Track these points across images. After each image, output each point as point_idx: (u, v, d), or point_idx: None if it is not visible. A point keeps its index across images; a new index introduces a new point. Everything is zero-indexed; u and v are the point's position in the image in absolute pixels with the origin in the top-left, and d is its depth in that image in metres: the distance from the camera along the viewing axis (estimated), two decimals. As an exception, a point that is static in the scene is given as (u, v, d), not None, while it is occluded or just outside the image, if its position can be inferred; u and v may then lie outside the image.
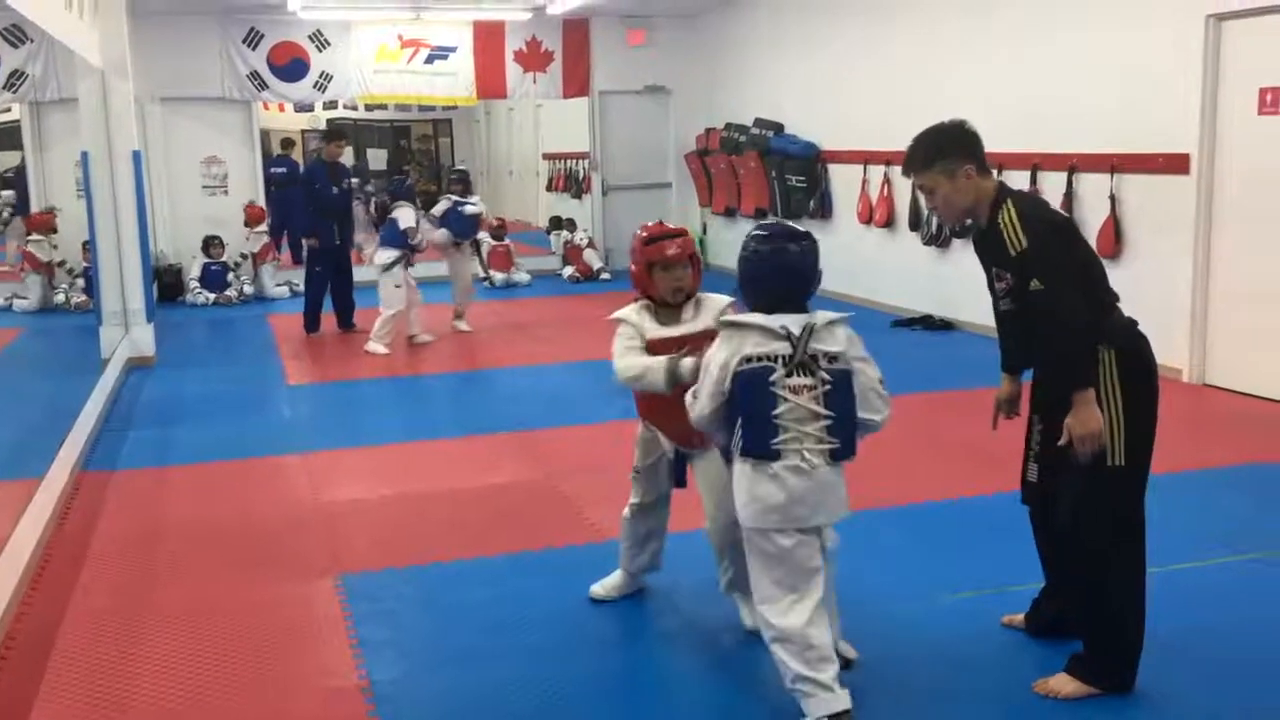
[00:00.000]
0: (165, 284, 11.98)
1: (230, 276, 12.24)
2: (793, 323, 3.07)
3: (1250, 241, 6.68)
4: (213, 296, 11.96)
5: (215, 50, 12.44)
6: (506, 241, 13.17)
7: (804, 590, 3.07)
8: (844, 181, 10.95)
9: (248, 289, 12.23)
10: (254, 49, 12.56)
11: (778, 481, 3.03)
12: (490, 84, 13.33)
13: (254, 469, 5.94)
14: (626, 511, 4.00)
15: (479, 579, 4.33)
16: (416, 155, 23.03)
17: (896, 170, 9.98)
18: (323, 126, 19.64)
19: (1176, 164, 6.93)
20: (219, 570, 4.50)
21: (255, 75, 12.61)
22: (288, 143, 15.80)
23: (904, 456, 5.83)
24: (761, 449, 3.03)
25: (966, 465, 5.55)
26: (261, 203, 12.88)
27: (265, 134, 14.67)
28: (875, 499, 5.04)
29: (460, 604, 4.10)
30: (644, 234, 3.67)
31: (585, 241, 13.63)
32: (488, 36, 13.11)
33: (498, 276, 12.79)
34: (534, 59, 13.31)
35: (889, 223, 10.20)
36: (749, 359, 3.03)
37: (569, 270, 13.38)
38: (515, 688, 3.43)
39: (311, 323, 9.90)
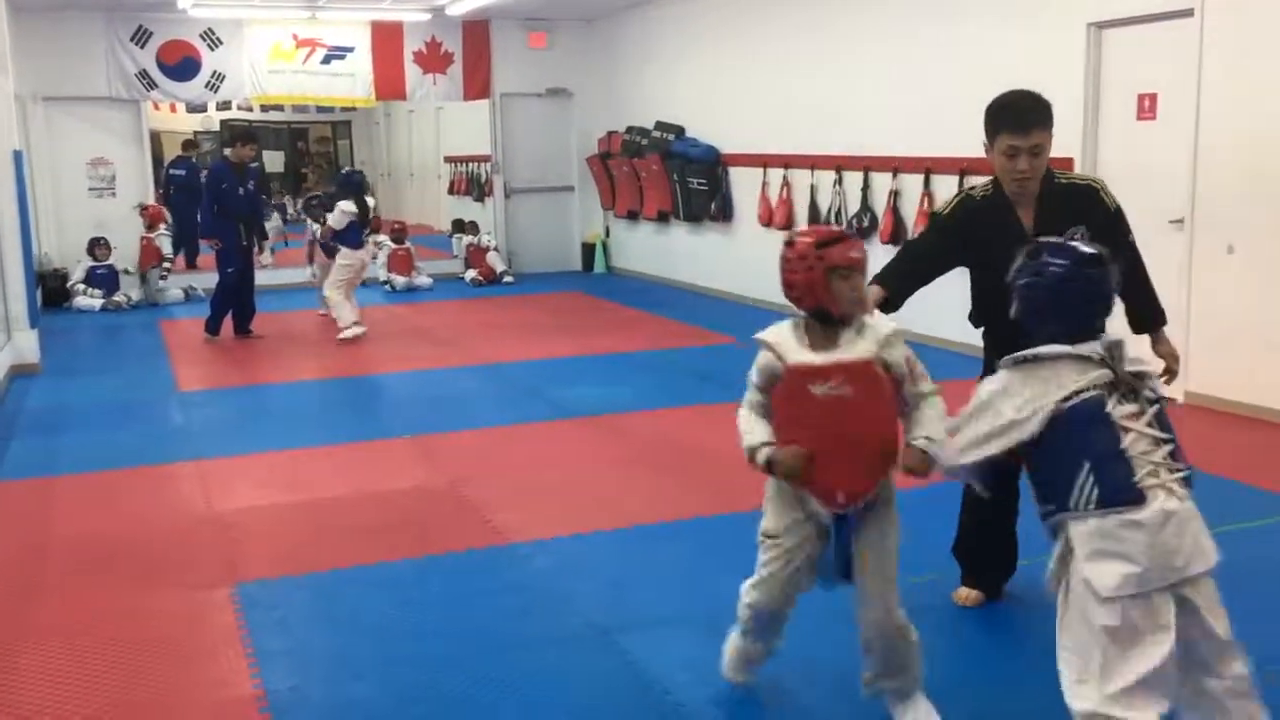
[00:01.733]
0: (50, 289, 11.58)
1: (122, 279, 11.90)
2: (1098, 346, 2.64)
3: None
4: (99, 302, 11.59)
5: (101, 48, 12.09)
6: (408, 245, 13.02)
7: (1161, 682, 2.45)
8: (744, 184, 11.06)
9: (134, 295, 11.89)
10: (142, 47, 12.23)
11: (1145, 530, 2.46)
12: (389, 85, 13.17)
13: (144, 478, 5.77)
14: (750, 590, 3.20)
15: (380, 585, 4.26)
16: (315, 158, 22.64)
17: (795, 173, 10.14)
18: (216, 128, 19.21)
19: (1061, 167, 7.13)
20: (107, 583, 4.35)
21: (144, 74, 12.27)
22: (189, 144, 15.41)
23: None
24: (1126, 492, 2.49)
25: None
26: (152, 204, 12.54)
27: (156, 135, 14.27)
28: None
29: (360, 611, 4.04)
30: (809, 238, 2.98)
31: (489, 245, 13.56)
32: (386, 37, 12.96)
33: (399, 280, 12.65)
34: (434, 60, 13.19)
35: (789, 225, 10.33)
36: (1072, 394, 2.58)
37: (472, 274, 13.28)
38: (415, 695, 3.39)
39: (214, 325, 9.69)
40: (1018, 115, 3.52)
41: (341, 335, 9.41)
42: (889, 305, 3.58)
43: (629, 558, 4.53)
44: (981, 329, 3.81)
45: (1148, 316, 3.76)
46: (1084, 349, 2.61)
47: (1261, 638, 3.00)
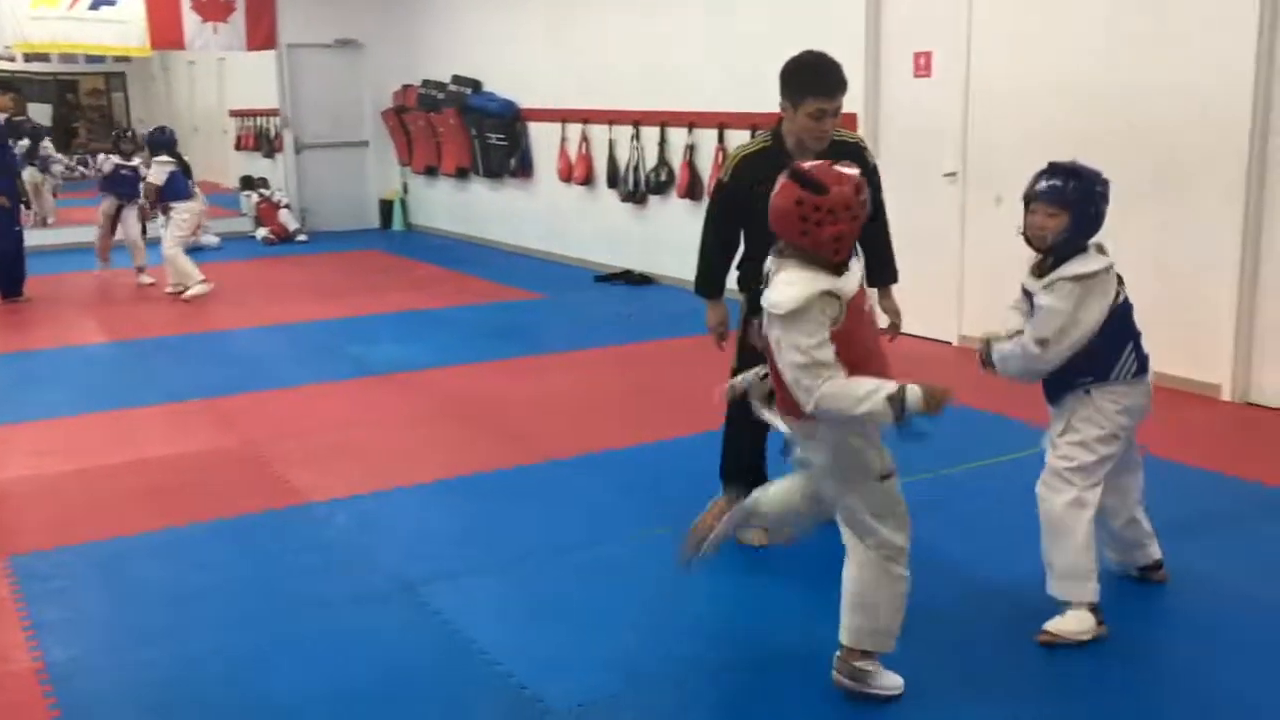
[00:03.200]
0: None
1: None
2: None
3: (910, 190, 7.25)
4: None
5: None
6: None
7: None
8: (543, 140, 11.03)
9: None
10: (-118, -12, 11.19)
11: (1146, 387, 3.34)
12: (165, 34, 12.45)
13: (-98, 452, 5.37)
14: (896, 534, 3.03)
15: (167, 551, 4.12)
16: (87, 111, 21.28)
17: (594, 128, 10.17)
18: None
19: (846, 123, 7.42)
20: None
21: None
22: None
23: (608, 405, 6.02)
24: (1146, 363, 3.32)
25: (664, 410, 5.78)
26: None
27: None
28: (577, 448, 5.20)
29: (145, 578, 3.90)
30: (845, 186, 2.81)
31: (280, 202, 13.09)
32: (161, -18, 12.24)
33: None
34: (213, 8, 12.54)
35: (588, 180, 10.38)
36: (1117, 294, 3.26)
37: (263, 232, 12.81)
38: (204, 658, 3.31)
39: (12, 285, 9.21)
40: (825, 79, 3.70)
41: (190, 293, 9.18)
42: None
43: (430, 512, 4.52)
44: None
45: (884, 273, 4.04)
46: (1108, 257, 3.26)
47: (1027, 555, 3.26)
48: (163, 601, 3.70)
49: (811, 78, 3.70)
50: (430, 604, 3.63)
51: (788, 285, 2.80)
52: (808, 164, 2.96)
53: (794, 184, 2.83)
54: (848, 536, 3.02)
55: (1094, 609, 3.27)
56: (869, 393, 2.71)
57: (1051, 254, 3.28)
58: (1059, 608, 3.29)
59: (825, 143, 3.75)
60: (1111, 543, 3.58)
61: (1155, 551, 3.59)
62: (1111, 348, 3.27)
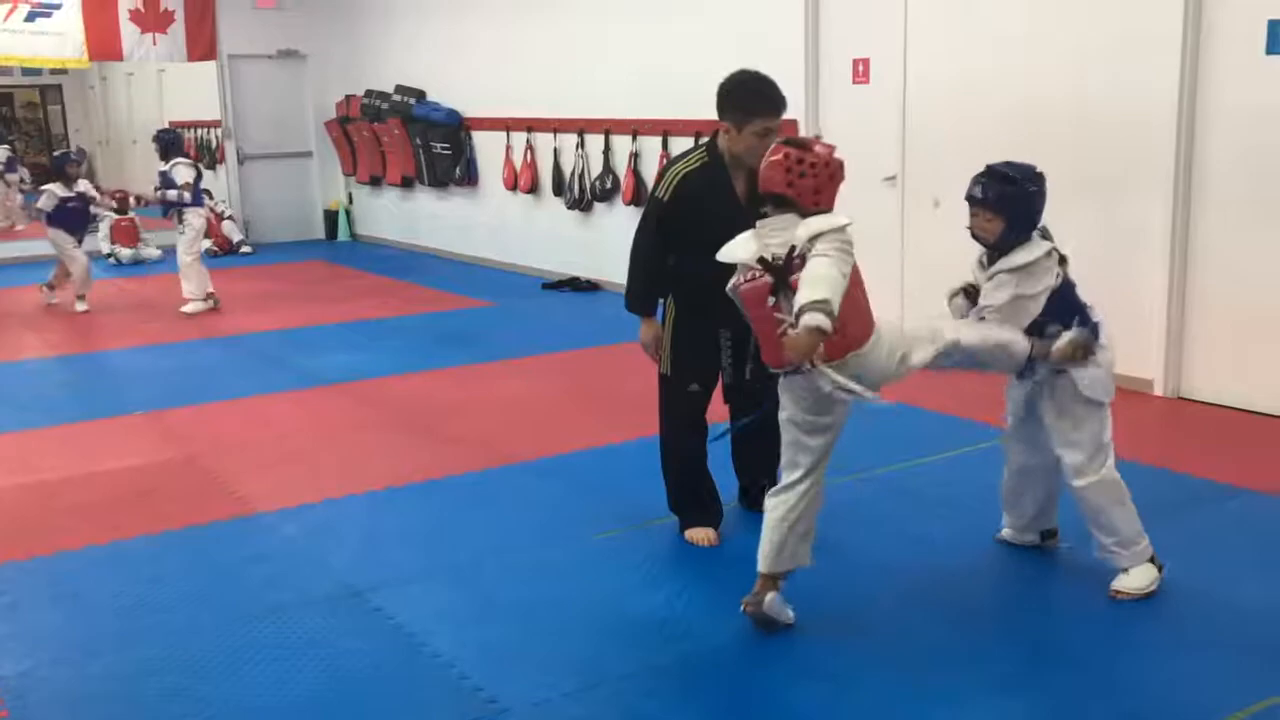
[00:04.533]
0: None
1: None
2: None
3: (851, 194, 7.33)
4: None
5: None
6: (132, 215, 12.28)
7: None
8: (488, 148, 11.05)
9: None
10: None
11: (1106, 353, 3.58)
12: (103, 45, 12.29)
13: None
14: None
15: (114, 563, 4.09)
16: (23, 124, 20.89)
17: (539, 136, 10.21)
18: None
19: (787, 129, 7.53)
20: None
21: None
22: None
23: (555, 410, 6.06)
24: (1098, 330, 3.53)
25: (613, 415, 5.83)
26: None
27: None
28: (528, 453, 5.23)
29: (94, 591, 3.87)
30: (829, 149, 3.23)
31: (223, 213, 12.97)
32: (98, -7, 12.09)
33: (124, 253, 11.96)
34: (152, 19, 12.41)
35: (533, 188, 10.41)
36: (1060, 275, 3.50)
37: (206, 244, 12.65)
38: (154, 668, 3.30)
39: None
40: (771, 98, 3.78)
41: (189, 309, 9.03)
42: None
43: (380, 519, 4.53)
44: (672, 300, 4.06)
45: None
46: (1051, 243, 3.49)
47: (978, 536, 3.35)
48: (112, 614, 3.69)
49: (758, 98, 3.77)
50: (383, 609, 3.65)
51: (826, 219, 3.10)
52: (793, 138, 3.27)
53: (782, 145, 3.16)
54: (798, 474, 3.33)
55: (1153, 559, 3.59)
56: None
57: (996, 249, 3.49)
58: (1118, 570, 3.58)
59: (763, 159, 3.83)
60: (1021, 509, 3.85)
61: (1055, 517, 3.90)
62: (1059, 323, 3.47)
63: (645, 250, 4.02)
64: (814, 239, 3.02)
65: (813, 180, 3.12)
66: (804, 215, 3.12)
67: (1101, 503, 3.54)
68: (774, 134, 3.71)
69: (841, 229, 3.06)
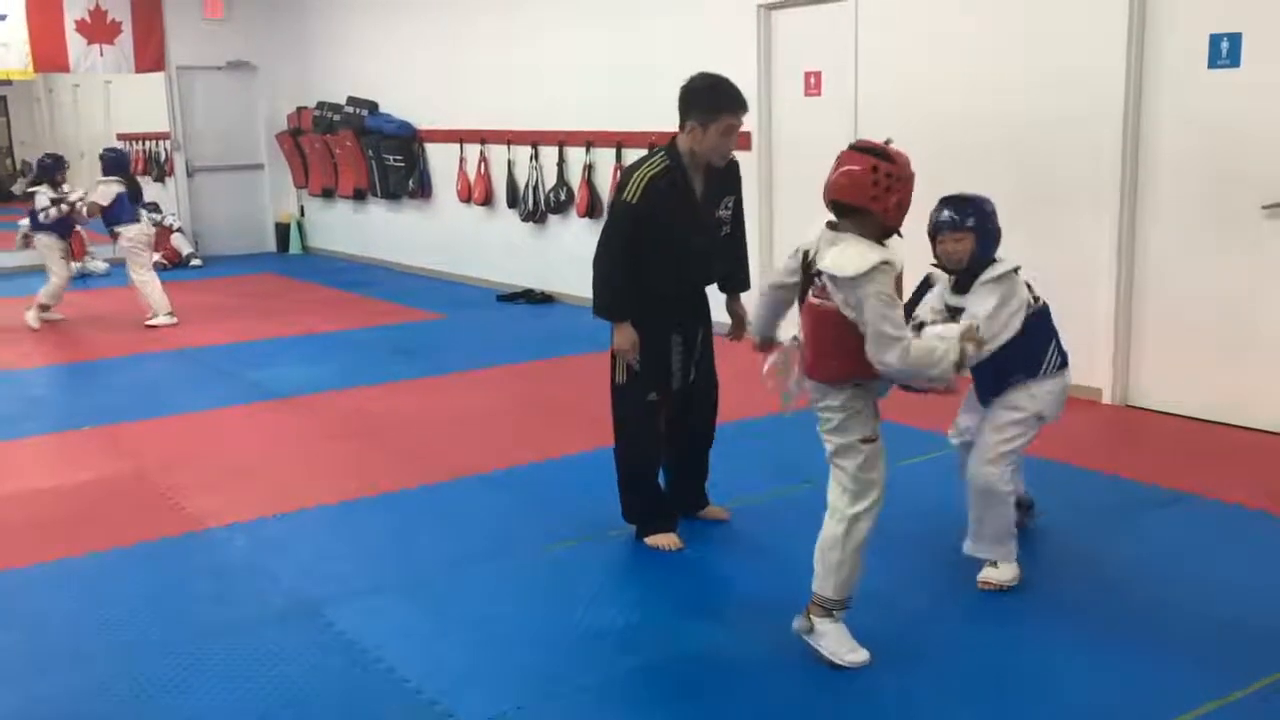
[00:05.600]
0: None
1: None
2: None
3: (802, 204, 7.44)
4: None
5: None
6: (77, 228, 12.08)
7: None
8: (441, 160, 11.02)
9: None
10: None
11: (1067, 380, 3.79)
12: (49, 56, 12.12)
13: None
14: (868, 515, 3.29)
15: (62, 581, 4.02)
16: (-35, 136, 20.54)
17: (493, 148, 10.20)
18: None
19: (740, 141, 7.58)
20: None
21: None
22: None
23: (510, 422, 6.04)
24: (1066, 359, 3.76)
25: (565, 426, 5.82)
26: None
27: None
28: (481, 465, 5.21)
29: (43, 609, 3.80)
30: (903, 157, 3.10)
31: (172, 225, 12.82)
32: (43, 4, 11.91)
33: (71, 266, 11.75)
34: (99, 30, 12.26)
35: (487, 200, 10.39)
36: (1036, 298, 3.66)
37: (155, 257, 12.50)
38: (109, 684, 3.25)
39: None
40: (735, 97, 3.91)
41: (156, 321, 8.99)
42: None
43: (333, 533, 4.49)
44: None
45: (738, 281, 4.36)
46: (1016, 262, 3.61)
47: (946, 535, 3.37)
48: (61, 632, 3.62)
49: (724, 97, 3.90)
50: (336, 624, 3.62)
51: (860, 253, 3.02)
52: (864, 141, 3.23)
53: (864, 154, 3.08)
54: (831, 496, 3.28)
55: (1018, 561, 3.76)
56: (941, 355, 3.10)
57: (968, 271, 3.61)
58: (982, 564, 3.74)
59: (727, 159, 3.98)
60: None
61: (1025, 490, 4.08)
62: (1038, 345, 3.68)
63: (618, 254, 3.96)
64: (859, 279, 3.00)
65: (898, 195, 3.06)
66: (876, 229, 3.10)
67: (987, 495, 3.70)
68: (736, 131, 3.90)
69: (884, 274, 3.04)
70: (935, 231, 3.64)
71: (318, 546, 4.35)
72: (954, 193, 3.70)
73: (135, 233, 9.17)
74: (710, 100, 3.89)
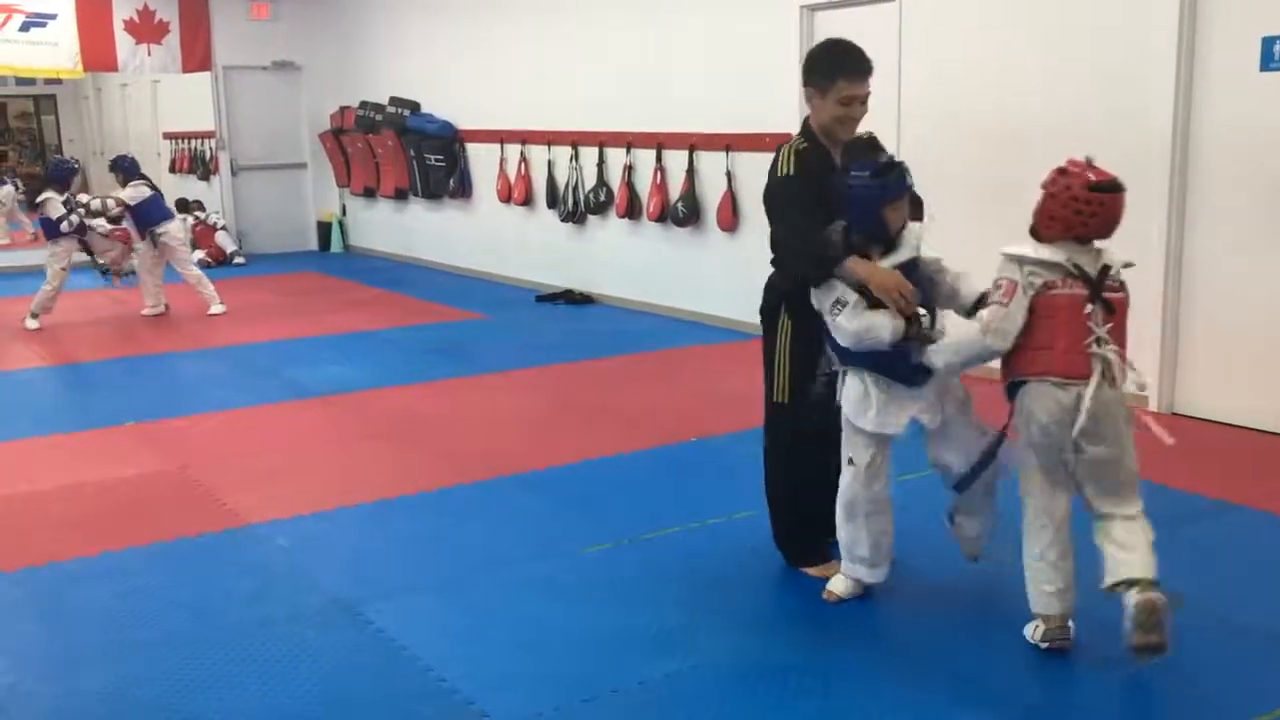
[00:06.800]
0: None
1: None
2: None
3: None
4: None
5: None
6: (124, 226, 12.23)
7: None
8: (482, 160, 11.05)
9: None
10: None
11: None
12: (98, 56, 12.29)
13: None
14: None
15: (103, 576, 4.06)
16: (16, 134, 20.89)
17: (533, 149, 10.22)
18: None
19: (784, 141, 7.54)
20: None
21: None
22: None
23: (548, 423, 6.03)
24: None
25: (605, 429, 5.81)
26: None
27: None
28: (519, 466, 5.21)
29: (83, 603, 3.84)
30: (1084, 177, 3.48)
31: (217, 224, 12.95)
32: (93, 4, 12.09)
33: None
34: (147, 30, 12.42)
35: (527, 200, 10.41)
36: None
37: (199, 255, 12.63)
38: (147, 679, 3.27)
39: None
40: (858, 64, 3.52)
41: (214, 310, 9.45)
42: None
43: (371, 532, 4.50)
44: (787, 314, 3.72)
45: None
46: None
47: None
48: (100, 627, 3.65)
49: (842, 58, 3.54)
50: (373, 623, 3.62)
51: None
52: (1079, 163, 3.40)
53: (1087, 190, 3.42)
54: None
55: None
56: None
57: None
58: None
59: (853, 132, 3.59)
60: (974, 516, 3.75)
61: None
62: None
63: (800, 218, 3.51)
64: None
65: (1101, 219, 3.42)
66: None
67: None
68: (858, 102, 3.52)
69: None
70: None
71: (356, 545, 4.36)
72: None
73: (175, 228, 9.37)
74: (827, 63, 3.51)
